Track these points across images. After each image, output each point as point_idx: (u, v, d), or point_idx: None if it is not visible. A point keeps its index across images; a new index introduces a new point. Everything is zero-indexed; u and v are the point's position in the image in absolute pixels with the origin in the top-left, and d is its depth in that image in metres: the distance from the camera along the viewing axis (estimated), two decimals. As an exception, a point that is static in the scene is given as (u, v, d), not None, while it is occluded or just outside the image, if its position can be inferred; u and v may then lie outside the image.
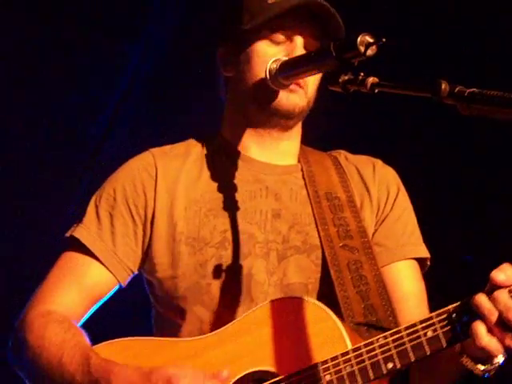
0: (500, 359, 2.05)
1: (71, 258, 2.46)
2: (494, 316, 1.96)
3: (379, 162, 2.62)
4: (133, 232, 2.46)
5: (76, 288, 2.41)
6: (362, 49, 1.96)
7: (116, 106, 4.55)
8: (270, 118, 2.49)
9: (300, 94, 2.45)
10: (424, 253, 2.53)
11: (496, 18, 3.99)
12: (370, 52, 1.97)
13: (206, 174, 2.51)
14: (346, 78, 2.03)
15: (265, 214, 2.46)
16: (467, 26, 4.06)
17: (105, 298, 2.47)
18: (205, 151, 2.57)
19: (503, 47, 3.99)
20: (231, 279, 2.37)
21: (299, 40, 2.44)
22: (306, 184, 2.53)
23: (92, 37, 4.24)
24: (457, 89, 1.78)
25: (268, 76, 2.36)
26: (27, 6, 4.14)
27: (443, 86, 1.79)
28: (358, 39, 1.96)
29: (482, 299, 1.98)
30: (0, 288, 4.30)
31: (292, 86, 2.43)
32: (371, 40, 1.96)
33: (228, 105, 2.61)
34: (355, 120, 4.09)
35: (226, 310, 2.35)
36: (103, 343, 2.34)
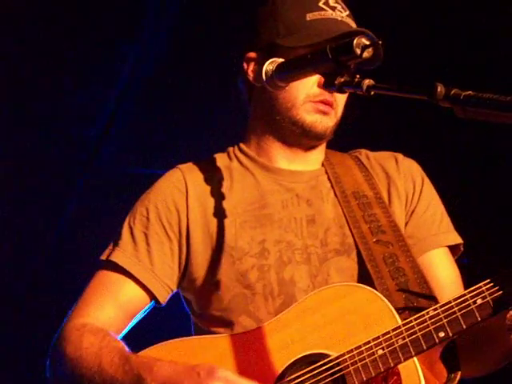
0: None
1: (106, 277, 2.49)
2: None
3: (400, 156, 2.66)
4: (169, 250, 2.48)
5: (111, 303, 2.44)
6: (358, 51, 1.96)
7: (113, 108, 4.56)
8: (300, 137, 2.53)
9: (331, 116, 2.51)
10: (456, 239, 2.58)
11: (492, 20, 4.00)
12: (366, 54, 1.96)
13: (236, 186, 2.54)
14: (342, 79, 2.03)
15: (299, 221, 2.49)
16: (463, 28, 4.07)
17: (140, 314, 2.49)
18: (232, 164, 2.60)
19: (499, 50, 4.00)
20: (274, 288, 2.41)
21: None
22: (332, 186, 2.56)
23: (89, 37, 4.24)
24: (452, 92, 1.78)
25: (264, 77, 2.37)
26: (26, 7, 4.14)
27: (439, 89, 1.79)
28: (354, 42, 1.96)
29: None
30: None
31: (325, 108, 2.49)
32: (367, 42, 1.96)
33: (253, 115, 2.63)
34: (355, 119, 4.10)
35: (271, 318, 2.36)
36: (148, 348, 2.37)
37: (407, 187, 2.58)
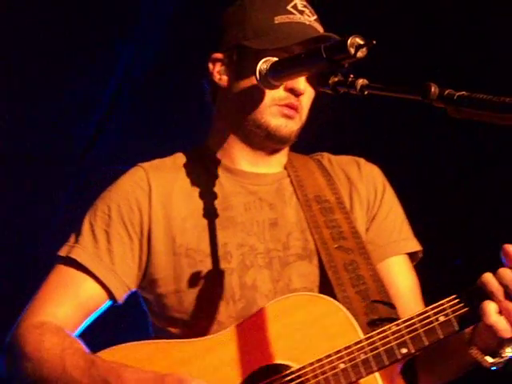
0: (509, 353, 2.14)
1: (65, 273, 2.45)
2: (500, 291, 2.06)
3: (362, 161, 2.64)
4: (130, 249, 2.44)
5: (69, 300, 2.40)
6: (352, 51, 1.96)
7: (107, 107, 4.55)
8: (264, 140, 2.49)
9: (296, 120, 2.48)
10: (415, 246, 2.56)
11: (486, 20, 4.01)
12: (360, 54, 1.96)
13: (199, 187, 2.50)
14: (336, 79, 2.03)
15: (262, 224, 2.46)
16: (457, 28, 4.08)
17: (98, 312, 2.46)
18: (194, 164, 2.56)
19: (493, 50, 4.01)
20: (235, 292, 2.38)
21: None
22: (295, 189, 2.53)
23: (83, 36, 4.23)
24: (446, 92, 1.78)
25: (258, 76, 2.36)
26: (25, 7, 4.13)
27: (433, 89, 1.79)
28: (349, 41, 1.96)
29: (488, 276, 2.09)
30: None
31: (290, 112, 2.45)
32: (361, 42, 1.96)
33: (217, 116, 2.60)
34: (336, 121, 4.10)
35: (231, 321, 2.34)
36: (104, 350, 2.32)
37: (369, 193, 2.56)
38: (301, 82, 2.42)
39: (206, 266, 2.39)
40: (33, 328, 2.34)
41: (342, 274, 2.38)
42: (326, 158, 2.65)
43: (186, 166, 2.56)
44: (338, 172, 2.60)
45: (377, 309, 2.33)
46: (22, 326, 2.37)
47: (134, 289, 2.47)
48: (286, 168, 2.59)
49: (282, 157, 2.59)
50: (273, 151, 2.55)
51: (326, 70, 2.05)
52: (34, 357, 2.29)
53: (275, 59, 2.35)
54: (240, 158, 2.54)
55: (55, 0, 4.19)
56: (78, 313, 2.40)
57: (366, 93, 1.97)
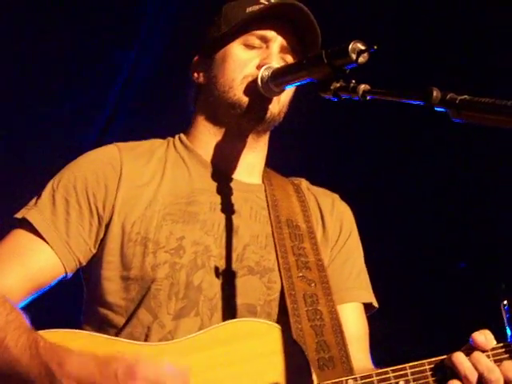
0: None
1: (20, 239, 2.35)
2: (474, 376, 2.01)
3: (338, 197, 2.65)
4: (88, 224, 2.36)
5: (20, 270, 2.29)
6: (354, 56, 1.96)
7: (110, 113, 4.55)
8: (240, 120, 2.45)
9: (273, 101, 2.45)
10: (368, 298, 2.54)
11: (486, 24, 4.01)
12: (361, 59, 1.97)
13: (170, 177, 2.45)
14: (338, 85, 2.02)
15: (223, 228, 2.40)
16: (457, 32, 4.08)
17: (47, 287, 2.35)
18: (169, 154, 2.52)
19: (494, 54, 4.01)
20: (180, 289, 2.31)
21: (275, 46, 2.47)
22: (268, 206, 2.51)
23: (86, 43, 4.24)
24: (448, 96, 1.76)
25: (260, 83, 2.36)
26: (25, 11, 4.15)
27: (435, 93, 1.77)
28: (350, 46, 1.96)
29: (461, 358, 2.04)
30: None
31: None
32: (363, 47, 1.97)
33: (197, 112, 2.58)
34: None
35: (170, 319, 2.28)
36: (44, 331, 2.17)
37: (334, 229, 2.56)
38: (273, 57, 2.43)
39: (157, 257, 2.31)
40: None
41: (301, 304, 2.33)
42: (304, 184, 2.65)
43: (160, 153, 2.51)
44: (312, 201, 2.59)
45: (328, 348, 2.27)
46: None
47: (84, 264, 2.38)
48: (263, 182, 2.57)
49: (258, 158, 2.56)
50: (250, 138, 2.50)
51: (327, 75, 2.05)
52: None
53: (276, 66, 2.36)
54: (216, 154, 2.50)
55: (61, 1, 4.20)
56: (26, 284, 2.29)
57: (367, 98, 1.95)
